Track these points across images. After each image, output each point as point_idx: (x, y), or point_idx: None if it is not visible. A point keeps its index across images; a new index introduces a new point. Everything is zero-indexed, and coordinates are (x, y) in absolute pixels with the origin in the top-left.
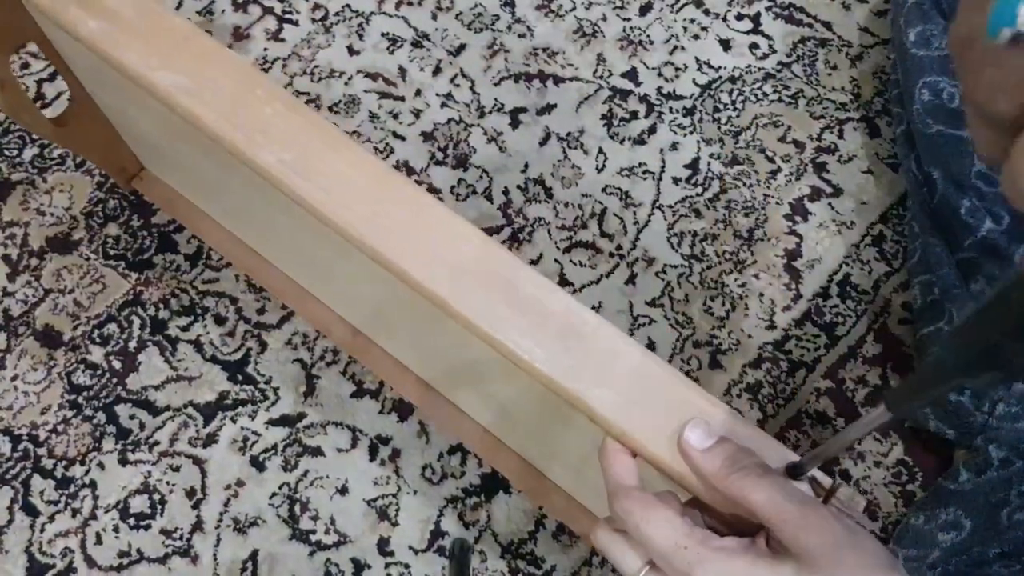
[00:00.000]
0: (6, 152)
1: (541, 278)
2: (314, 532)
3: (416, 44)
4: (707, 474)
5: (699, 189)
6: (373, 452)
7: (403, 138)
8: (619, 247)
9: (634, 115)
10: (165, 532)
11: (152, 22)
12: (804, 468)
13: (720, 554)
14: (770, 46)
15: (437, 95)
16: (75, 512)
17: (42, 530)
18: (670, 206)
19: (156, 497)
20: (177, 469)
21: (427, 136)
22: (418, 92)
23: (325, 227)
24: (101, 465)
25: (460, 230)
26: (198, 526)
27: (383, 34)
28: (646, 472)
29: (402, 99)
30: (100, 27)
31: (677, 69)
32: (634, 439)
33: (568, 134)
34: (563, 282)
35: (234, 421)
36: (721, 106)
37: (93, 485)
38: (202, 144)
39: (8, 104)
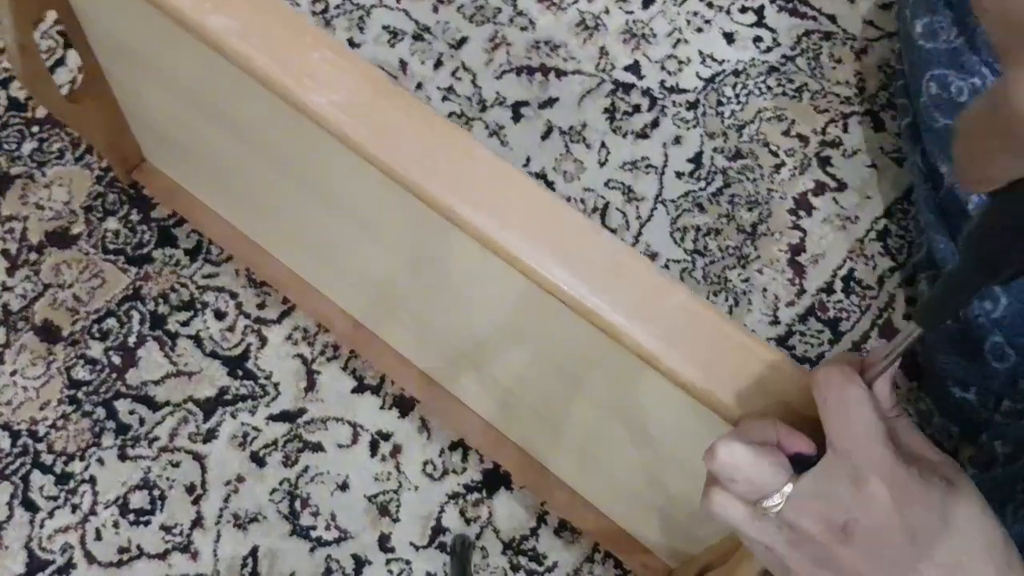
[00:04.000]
0: (5, 146)
1: (587, 220)
2: (315, 528)
3: (417, 37)
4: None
5: (702, 183)
6: (374, 448)
7: None
8: (621, 242)
9: (637, 109)
10: (165, 528)
11: None
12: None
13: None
14: (774, 39)
15: (438, 88)
16: (75, 508)
17: (42, 526)
18: (673, 200)
19: (156, 493)
20: (177, 465)
21: None
22: (419, 85)
23: (361, 178)
24: (101, 461)
25: (508, 173)
26: (198, 522)
27: (384, 27)
28: (672, 422)
29: None
30: None
31: (680, 62)
32: (681, 372)
33: (570, 128)
34: None
35: (234, 417)
36: (724, 100)
37: (93, 481)
38: (226, 113)
39: (26, 71)
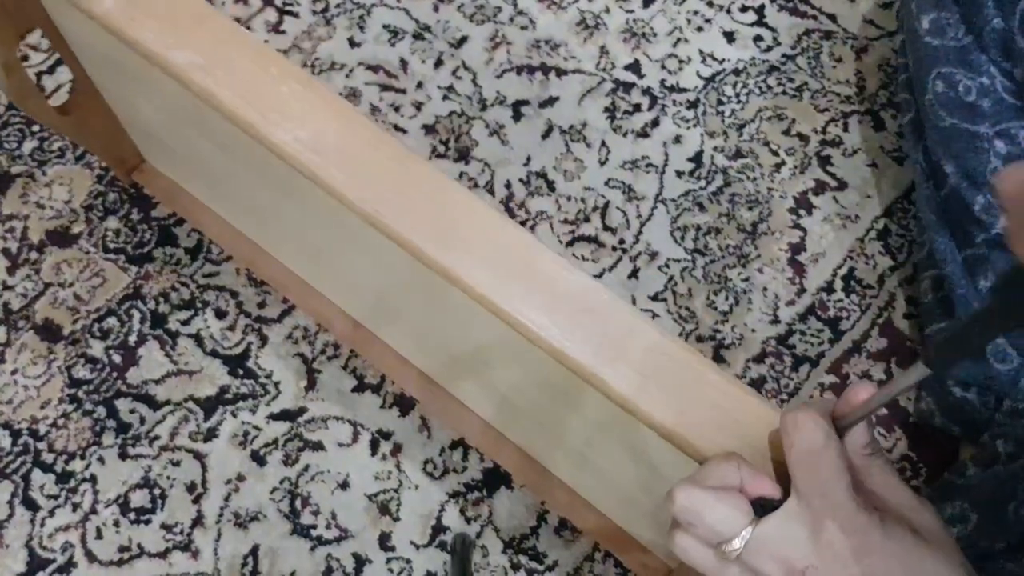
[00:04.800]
0: (5, 145)
1: (558, 257)
2: (315, 527)
3: (417, 36)
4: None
5: (702, 183)
6: (374, 447)
7: (404, 131)
8: (622, 241)
9: (637, 108)
10: (166, 527)
11: (167, 1)
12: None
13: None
14: (774, 38)
15: (439, 87)
16: (75, 506)
17: (42, 524)
18: (673, 200)
19: (156, 492)
20: (177, 464)
21: (429, 129)
22: (419, 84)
23: (334, 210)
24: (101, 459)
25: (477, 209)
26: (199, 521)
27: (384, 26)
28: (659, 446)
29: (403, 92)
30: (116, 5)
31: (680, 61)
32: (650, 415)
33: (571, 127)
34: None
35: (235, 415)
36: (725, 99)
37: (93, 479)
38: (210, 130)
39: (14, 90)
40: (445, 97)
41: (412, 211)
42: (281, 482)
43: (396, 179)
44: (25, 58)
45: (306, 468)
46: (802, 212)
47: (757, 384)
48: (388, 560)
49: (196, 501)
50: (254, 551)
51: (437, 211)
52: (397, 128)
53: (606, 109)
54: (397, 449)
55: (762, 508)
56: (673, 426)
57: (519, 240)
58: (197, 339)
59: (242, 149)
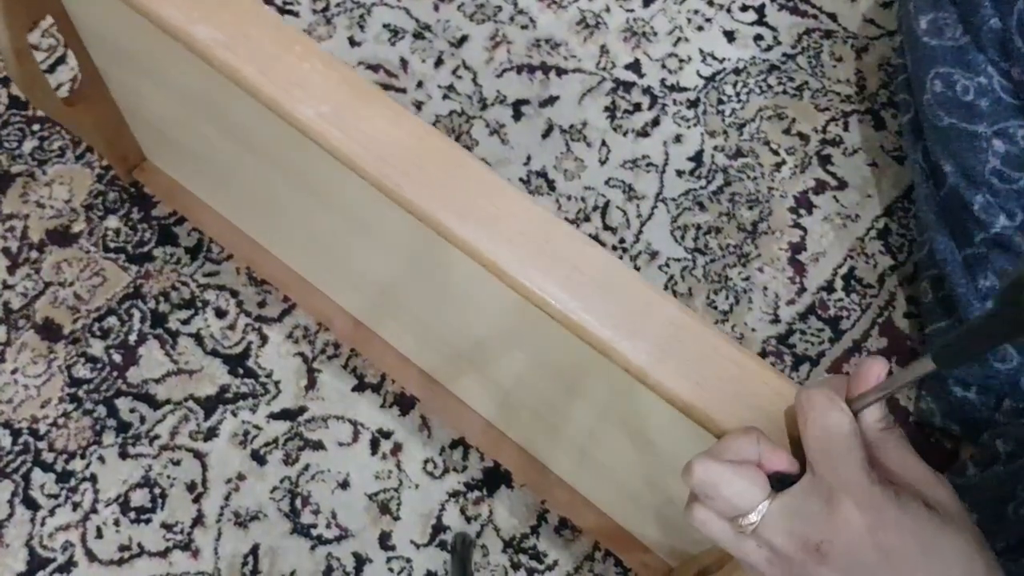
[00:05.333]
0: (5, 144)
1: (576, 232)
2: (315, 526)
3: (418, 35)
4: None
5: (703, 182)
6: (375, 446)
7: None
8: (622, 240)
9: (637, 107)
10: (166, 526)
11: None
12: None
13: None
14: (775, 37)
15: (439, 87)
16: (75, 506)
17: (43, 524)
18: (673, 199)
19: (157, 491)
20: (178, 463)
21: None
22: (420, 84)
23: (351, 189)
24: (101, 459)
25: (497, 186)
26: (199, 520)
27: (384, 25)
28: (671, 426)
29: (404, 91)
30: None
31: (681, 61)
32: (668, 388)
33: (571, 126)
34: None
35: (235, 415)
36: (725, 98)
37: (93, 479)
38: (223, 116)
39: (22, 77)
40: (445, 96)
41: (433, 186)
42: (281, 481)
43: (417, 154)
44: None
45: (306, 467)
46: (802, 211)
47: None
48: (388, 559)
49: (196, 500)
50: (254, 550)
51: (457, 186)
52: None
53: (606, 108)
54: (397, 448)
55: (779, 483)
56: (690, 399)
57: (538, 215)
58: (197, 338)
59: (256, 133)
